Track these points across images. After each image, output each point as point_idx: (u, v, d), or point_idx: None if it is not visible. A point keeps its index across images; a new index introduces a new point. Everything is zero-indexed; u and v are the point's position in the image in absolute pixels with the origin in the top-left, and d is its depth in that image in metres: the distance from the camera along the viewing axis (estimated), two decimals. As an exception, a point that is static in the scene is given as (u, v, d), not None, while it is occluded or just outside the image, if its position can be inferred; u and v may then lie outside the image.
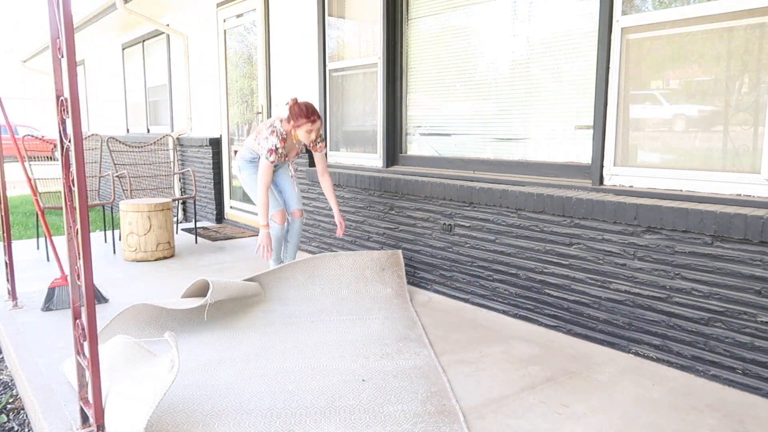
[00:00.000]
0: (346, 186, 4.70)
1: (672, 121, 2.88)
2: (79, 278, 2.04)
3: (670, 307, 2.75)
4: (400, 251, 4.04)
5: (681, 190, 2.85)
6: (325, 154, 4.02)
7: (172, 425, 2.24)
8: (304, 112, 3.83)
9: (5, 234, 3.71)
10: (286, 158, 4.10)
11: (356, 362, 2.87)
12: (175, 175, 6.99)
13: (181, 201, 7.45)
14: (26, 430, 2.64)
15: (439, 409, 2.41)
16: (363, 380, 2.67)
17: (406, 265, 4.22)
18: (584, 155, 3.32)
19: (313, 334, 3.23)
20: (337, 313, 3.55)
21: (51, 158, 5.57)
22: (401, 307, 3.72)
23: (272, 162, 3.84)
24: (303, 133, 3.88)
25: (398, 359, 2.92)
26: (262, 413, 2.36)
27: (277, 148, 3.84)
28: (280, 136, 3.86)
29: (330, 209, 4.94)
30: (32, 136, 5.89)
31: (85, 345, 2.00)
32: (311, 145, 4.02)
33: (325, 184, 4.13)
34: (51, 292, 3.71)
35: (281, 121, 3.94)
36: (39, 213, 4.15)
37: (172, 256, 5.25)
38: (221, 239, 6.02)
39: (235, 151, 6.56)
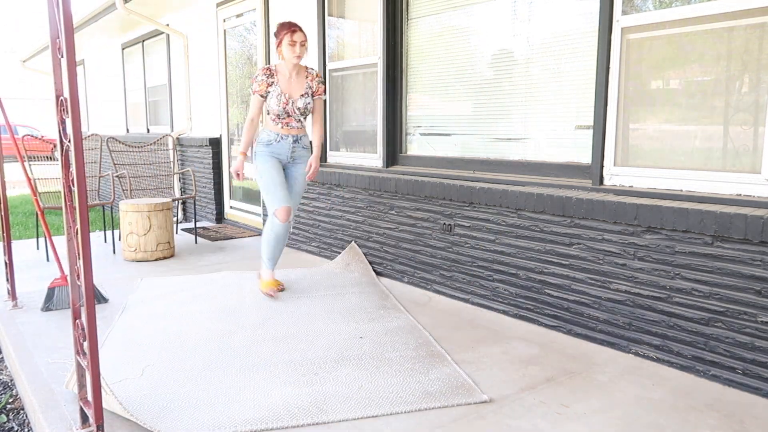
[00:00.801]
0: (346, 186, 4.70)
1: (672, 121, 2.88)
2: (79, 278, 2.04)
3: (670, 307, 2.75)
4: (352, 242, 4.59)
5: (681, 190, 2.85)
6: (324, 101, 3.93)
7: (215, 378, 2.61)
8: (284, 25, 3.80)
9: (5, 234, 3.71)
10: (293, 104, 3.83)
11: (349, 326, 3.31)
12: (175, 175, 6.99)
13: (181, 201, 7.45)
14: (26, 430, 2.64)
15: (429, 353, 2.90)
16: (361, 337, 3.12)
17: (408, 264, 4.22)
18: (584, 155, 3.32)
19: (302, 308, 3.63)
20: (317, 290, 4.02)
21: (51, 158, 5.56)
22: (371, 284, 4.18)
23: (254, 92, 3.89)
24: (287, 49, 3.76)
25: (383, 322, 3.38)
26: (285, 365, 2.76)
27: (257, 76, 3.87)
28: (268, 66, 3.88)
29: (329, 210, 4.94)
30: (32, 136, 5.89)
31: (85, 345, 2.00)
32: (311, 81, 3.89)
33: (316, 133, 3.96)
34: (51, 292, 3.70)
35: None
36: (39, 213, 4.15)
37: (172, 256, 5.25)
38: (221, 239, 6.02)
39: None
